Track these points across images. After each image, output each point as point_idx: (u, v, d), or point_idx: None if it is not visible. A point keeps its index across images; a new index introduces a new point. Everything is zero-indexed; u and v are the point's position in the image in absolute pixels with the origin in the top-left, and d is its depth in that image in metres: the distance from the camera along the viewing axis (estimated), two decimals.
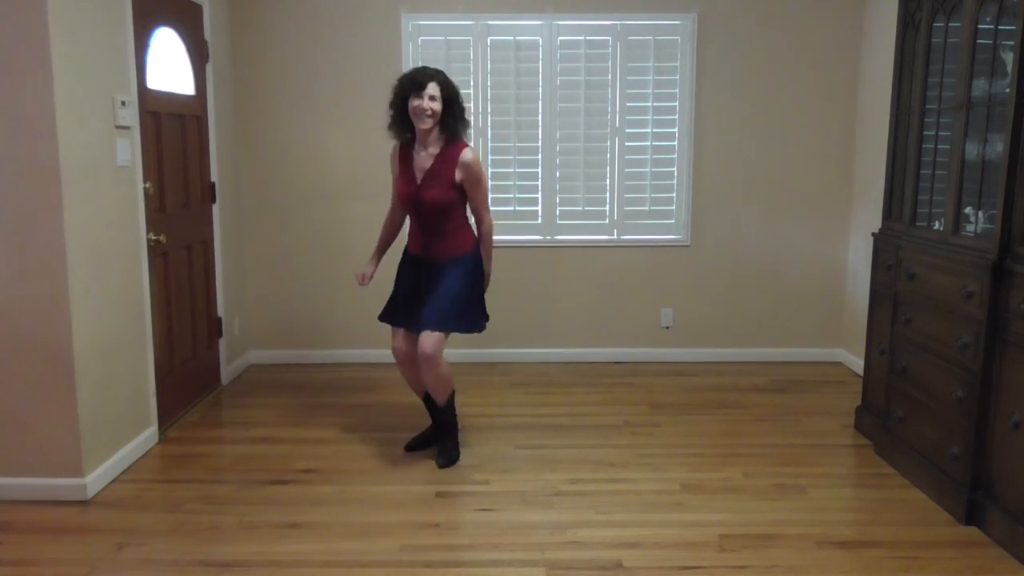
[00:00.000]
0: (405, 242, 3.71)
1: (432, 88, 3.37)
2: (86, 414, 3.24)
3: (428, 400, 3.75)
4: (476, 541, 2.94)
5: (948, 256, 3.20)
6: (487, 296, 3.68)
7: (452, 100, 3.42)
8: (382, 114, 4.94)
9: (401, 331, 3.63)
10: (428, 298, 3.50)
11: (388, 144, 4.94)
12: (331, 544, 2.91)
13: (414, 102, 3.39)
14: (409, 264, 3.64)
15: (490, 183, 5.03)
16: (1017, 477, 2.81)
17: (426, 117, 3.38)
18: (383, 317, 3.70)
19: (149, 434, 3.79)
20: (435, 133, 3.45)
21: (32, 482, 3.22)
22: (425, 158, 3.48)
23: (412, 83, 3.41)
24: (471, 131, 3.70)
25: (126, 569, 2.75)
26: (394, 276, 3.70)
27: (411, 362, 3.61)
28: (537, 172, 5.02)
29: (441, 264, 3.52)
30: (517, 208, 5.04)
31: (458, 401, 4.46)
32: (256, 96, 4.97)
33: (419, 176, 3.48)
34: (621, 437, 3.94)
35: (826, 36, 4.94)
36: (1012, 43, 2.84)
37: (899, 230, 3.66)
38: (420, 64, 4.88)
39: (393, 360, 5.16)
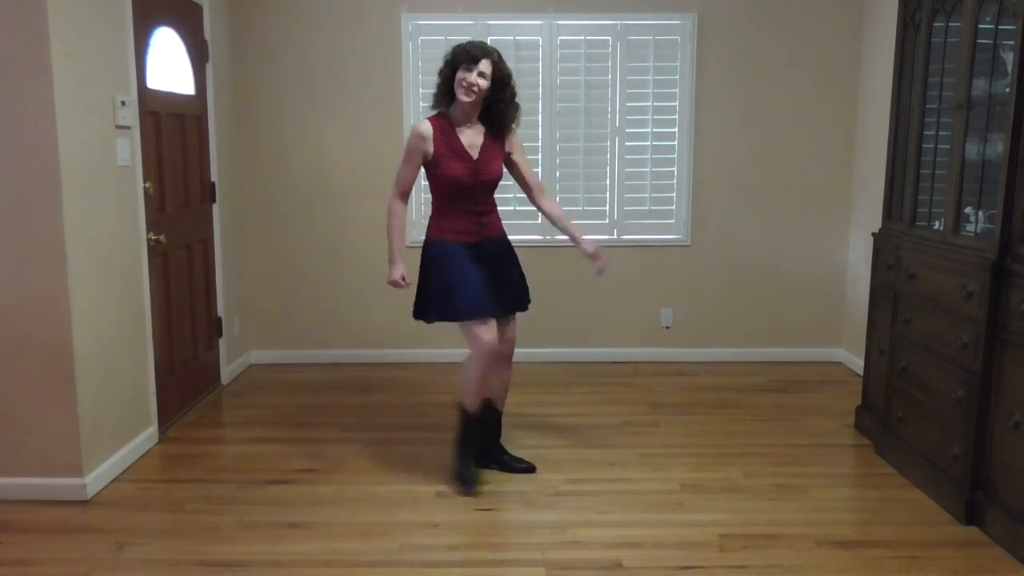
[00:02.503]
0: (430, 237, 3.38)
1: (484, 65, 3.18)
2: (86, 414, 3.24)
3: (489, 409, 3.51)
4: (476, 541, 2.94)
5: (948, 256, 3.20)
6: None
7: (503, 83, 3.25)
8: (382, 114, 4.99)
9: (492, 323, 3.29)
10: (508, 279, 3.39)
11: (386, 142, 5.00)
12: (331, 544, 2.91)
13: (462, 74, 3.19)
14: (468, 255, 3.29)
15: None
16: (1017, 477, 2.81)
17: (471, 91, 3.19)
18: (476, 313, 3.23)
19: (149, 434, 3.79)
20: (477, 112, 3.29)
21: (32, 482, 3.22)
22: (474, 134, 3.29)
23: (465, 54, 3.20)
24: (520, 116, 3.41)
25: (126, 569, 2.75)
26: (431, 272, 3.31)
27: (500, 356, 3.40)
28: (537, 172, 5.01)
29: (500, 241, 3.42)
30: (517, 208, 5.03)
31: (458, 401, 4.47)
32: (256, 96, 4.97)
33: (475, 152, 3.27)
34: (621, 437, 3.94)
35: (826, 36, 4.94)
36: (1012, 43, 2.84)
37: (899, 230, 3.66)
38: (420, 63, 4.92)
39: (395, 360, 5.23)
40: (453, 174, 3.24)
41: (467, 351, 3.33)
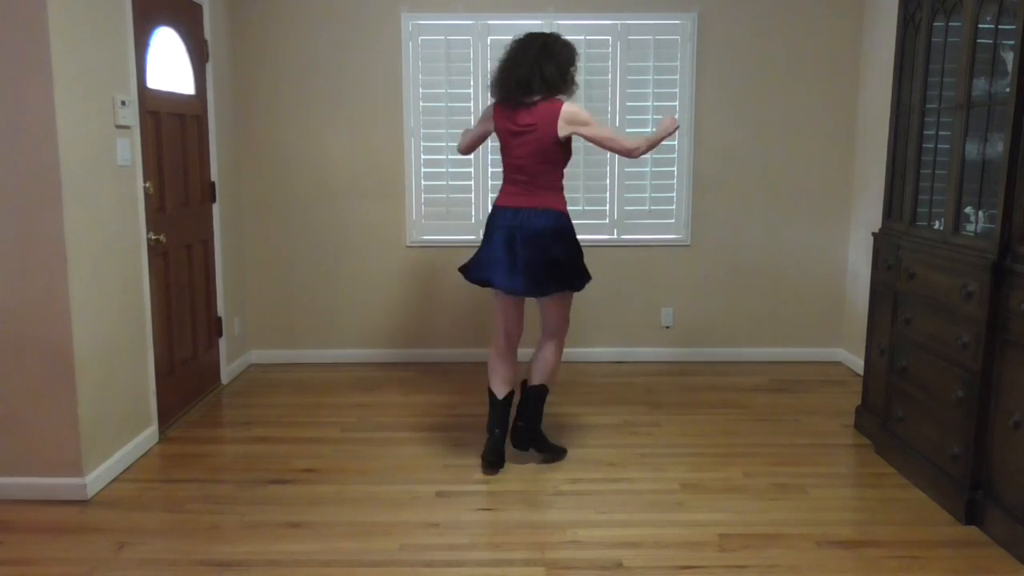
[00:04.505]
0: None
1: None
2: (86, 414, 3.25)
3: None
4: (476, 541, 2.94)
5: (948, 256, 3.20)
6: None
7: None
8: (382, 113, 4.99)
9: None
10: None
11: (386, 142, 5.00)
12: (331, 544, 2.91)
13: None
14: None
15: (490, 182, 5.06)
16: (1017, 477, 2.81)
17: None
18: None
19: (149, 433, 3.79)
20: None
21: (32, 482, 3.22)
22: None
23: None
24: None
25: (126, 569, 2.75)
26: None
27: None
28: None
29: None
30: None
31: (458, 401, 4.47)
32: (256, 96, 4.97)
33: None
34: (621, 437, 3.94)
35: (826, 36, 4.94)
36: (1012, 42, 2.84)
37: (899, 230, 3.66)
38: (420, 63, 4.92)
39: (395, 360, 5.24)
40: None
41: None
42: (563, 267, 3.41)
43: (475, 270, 3.51)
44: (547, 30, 4.86)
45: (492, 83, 3.43)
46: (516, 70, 3.32)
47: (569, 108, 3.32)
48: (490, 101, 3.53)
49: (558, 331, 3.58)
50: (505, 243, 3.38)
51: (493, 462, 3.47)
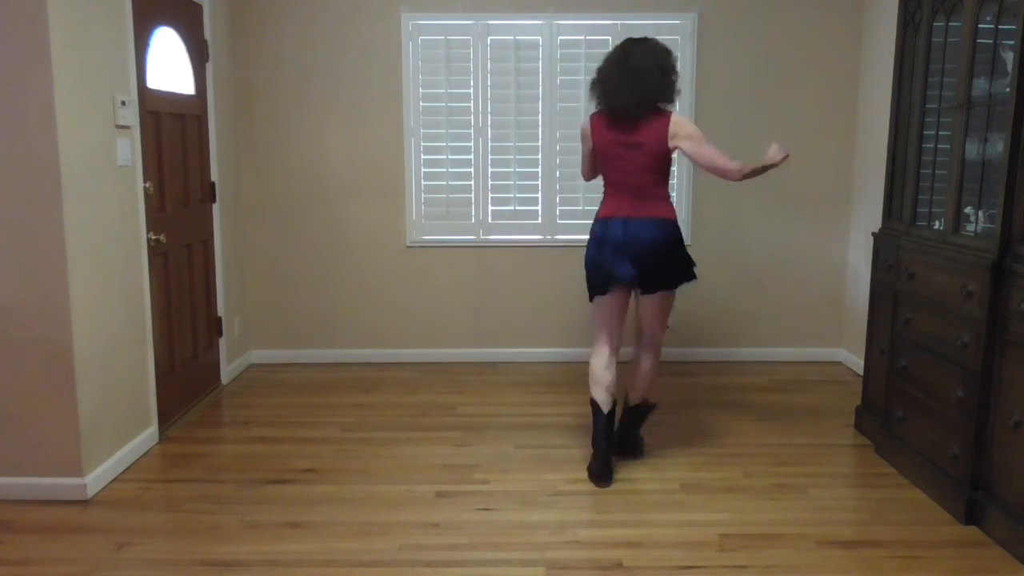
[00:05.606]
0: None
1: None
2: (86, 414, 3.25)
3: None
4: (476, 541, 2.94)
5: (948, 256, 3.20)
6: None
7: None
8: (382, 113, 4.99)
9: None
10: None
11: (386, 142, 5.00)
12: (331, 544, 2.91)
13: None
14: None
15: (490, 182, 5.05)
16: (1017, 477, 2.81)
17: None
18: None
19: (149, 434, 3.79)
20: None
21: (32, 482, 3.22)
22: None
23: None
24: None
25: (126, 569, 2.75)
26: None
27: None
28: (537, 172, 5.01)
29: None
30: (517, 208, 5.04)
31: (458, 400, 4.47)
32: (256, 96, 4.97)
33: None
34: None
35: (826, 36, 4.94)
36: (1012, 42, 2.84)
37: (899, 230, 3.66)
38: (420, 63, 4.92)
39: (395, 360, 5.23)
40: None
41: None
42: (675, 269, 3.49)
43: (598, 280, 3.53)
44: (546, 30, 4.92)
45: (602, 98, 3.42)
46: (635, 88, 3.28)
47: (677, 119, 3.29)
48: (587, 116, 3.53)
49: (656, 335, 3.62)
50: (618, 250, 3.38)
51: (603, 476, 3.41)
